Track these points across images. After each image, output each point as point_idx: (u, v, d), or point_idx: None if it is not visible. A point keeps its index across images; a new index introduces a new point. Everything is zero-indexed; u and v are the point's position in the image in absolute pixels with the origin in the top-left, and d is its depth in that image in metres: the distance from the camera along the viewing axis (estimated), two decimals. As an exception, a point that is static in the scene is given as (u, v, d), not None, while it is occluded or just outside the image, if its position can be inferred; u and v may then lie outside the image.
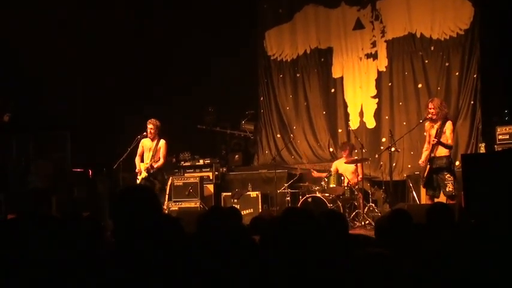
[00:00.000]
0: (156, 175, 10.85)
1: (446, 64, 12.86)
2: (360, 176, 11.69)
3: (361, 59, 13.80)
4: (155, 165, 10.76)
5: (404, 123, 13.05)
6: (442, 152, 9.92)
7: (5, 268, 2.69)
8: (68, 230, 3.23)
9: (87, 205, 11.73)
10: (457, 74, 12.71)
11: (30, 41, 12.23)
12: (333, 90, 14.13)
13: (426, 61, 13.09)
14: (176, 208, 12.47)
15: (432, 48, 13.02)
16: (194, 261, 2.76)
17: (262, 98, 15.04)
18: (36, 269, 2.70)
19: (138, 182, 10.70)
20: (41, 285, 2.63)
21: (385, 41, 13.53)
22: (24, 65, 12.40)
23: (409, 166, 12.74)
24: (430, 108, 10.00)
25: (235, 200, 12.57)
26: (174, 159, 13.56)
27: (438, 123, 9.93)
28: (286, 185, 12.40)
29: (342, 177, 11.45)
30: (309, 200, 11.23)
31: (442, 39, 12.88)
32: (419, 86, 13.11)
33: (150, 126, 10.86)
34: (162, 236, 3.02)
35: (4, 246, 2.82)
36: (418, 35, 13.15)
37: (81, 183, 12.44)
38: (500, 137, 11.31)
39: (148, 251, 2.82)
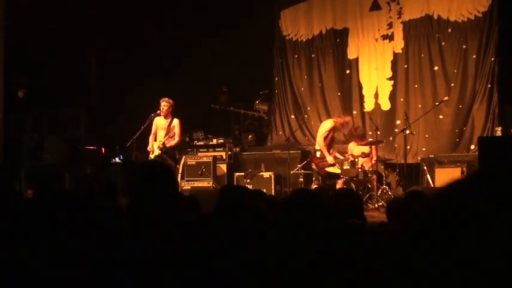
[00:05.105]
0: (167, 151, 10.83)
1: (464, 47, 12.76)
2: (374, 159, 11.56)
3: (377, 40, 13.66)
4: (168, 144, 10.76)
5: (420, 105, 13.00)
6: None
7: (32, 245, 2.74)
8: (84, 206, 3.25)
9: (99, 183, 11.73)
10: (474, 57, 12.62)
11: (45, 18, 12.25)
12: (348, 71, 13.99)
13: (443, 43, 12.97)
14: (189, 187, 12.41)
15: (449, 30, 12.92)
16: (210, 239, 2.70)
17: (276, 79, 14.88)
18: (59, 245, 2.74)
19: None
20: (62, 259, 2.66)
21: (402, 23, 13.39)
22: (39, 43, 12.37)
23: (424, 149, 12.72)
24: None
25: (248, 180, 12.50)
26: (187, 138, 13.46)
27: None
28: (299, 166, 12.29)
29: (356, 159, 11.40)
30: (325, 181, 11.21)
31: (460, 21, 12.77)
32: (436, 68, 13.01)
33: (163, 103, 10.87)
34: (179, 212, 3.02)
35: (29, 223, 2.87)
36: (436, 17, 13.03)
37: (94, 161, 12.47)
38: (517, 120, 11.21)
39: (164, 227, 2.78)
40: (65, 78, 12.82)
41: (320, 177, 11.42)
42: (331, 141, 11.28)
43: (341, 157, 11.45)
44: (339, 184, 10.97)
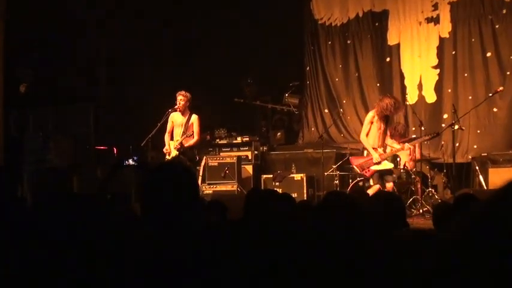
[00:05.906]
0: (185, 152, 10.42)
1: (521, 29, 12.29)
2: (418, 158, 10.93)
3: (420, 23, 13.06)
4: (186, 144, 10.34)
5: (470, 97, 12.42)
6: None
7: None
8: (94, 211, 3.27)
9: (110, 186, 11.17)
10: (533, 41, 12.18)
11: (52, 10, 12.18)
12: (388, 59, 13.41)
13: (497, 26, 12.37)
14: (210, 191, 12.10)
15: (504, 11, 12.30)
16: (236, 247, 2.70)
17: (308, 68, 14.37)
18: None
19: None
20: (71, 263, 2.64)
21: (449, 3, 12.80)
22: (44, 34, 12.27)
23: (475, 147, 12.15)
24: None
25: (277, 183, 11.98)
26: (208, 137, 13.15)
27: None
28: (334, 166, 11.80)
29: (398, 159, 10.62)
30: (360, 183, 10.53)
31: (517, 0, 12.31)
32: (488, 54, 12.39)
33: (179, 98, 10.51)
34: (202, 216, 3.12)
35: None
36: (488, -4, 12.59)
37: (105, 162, 12.08)
38: None
39: (185, 232, 2.73)
40: (72, 70, 12.65)
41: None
42: (382, 135, 10.15)
43: (397, 146, 10.40)
44: (387, 189, 9.87)
